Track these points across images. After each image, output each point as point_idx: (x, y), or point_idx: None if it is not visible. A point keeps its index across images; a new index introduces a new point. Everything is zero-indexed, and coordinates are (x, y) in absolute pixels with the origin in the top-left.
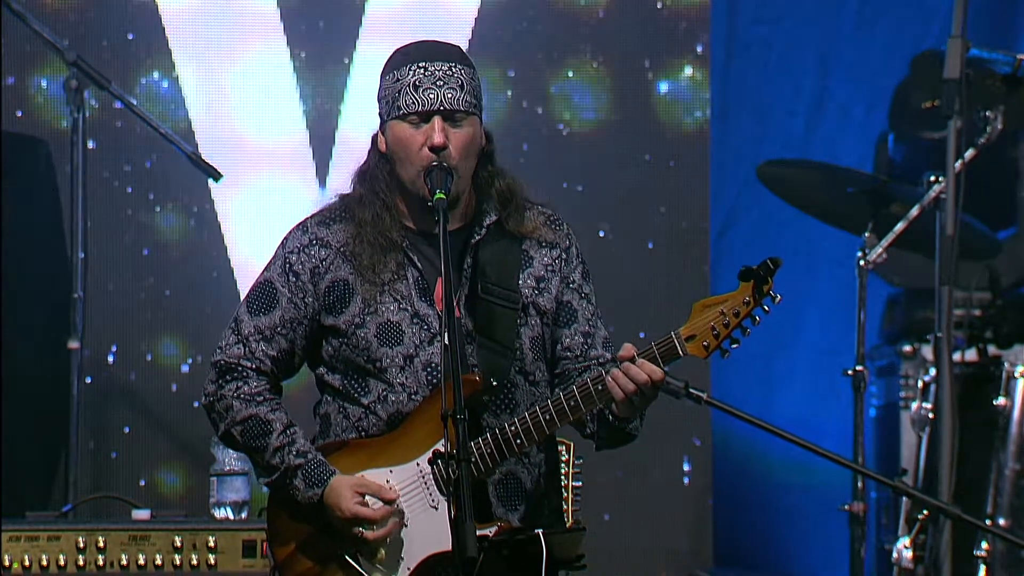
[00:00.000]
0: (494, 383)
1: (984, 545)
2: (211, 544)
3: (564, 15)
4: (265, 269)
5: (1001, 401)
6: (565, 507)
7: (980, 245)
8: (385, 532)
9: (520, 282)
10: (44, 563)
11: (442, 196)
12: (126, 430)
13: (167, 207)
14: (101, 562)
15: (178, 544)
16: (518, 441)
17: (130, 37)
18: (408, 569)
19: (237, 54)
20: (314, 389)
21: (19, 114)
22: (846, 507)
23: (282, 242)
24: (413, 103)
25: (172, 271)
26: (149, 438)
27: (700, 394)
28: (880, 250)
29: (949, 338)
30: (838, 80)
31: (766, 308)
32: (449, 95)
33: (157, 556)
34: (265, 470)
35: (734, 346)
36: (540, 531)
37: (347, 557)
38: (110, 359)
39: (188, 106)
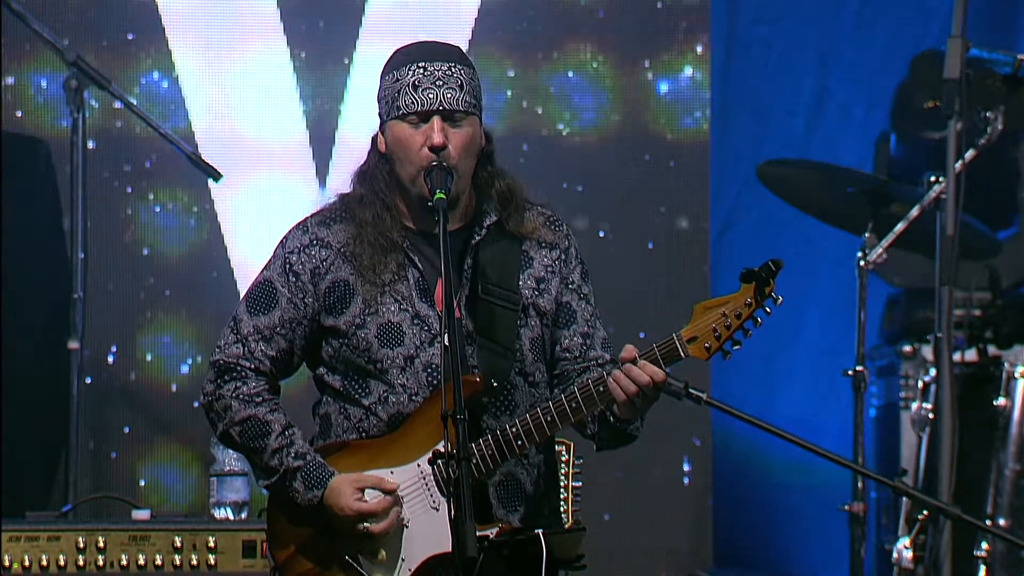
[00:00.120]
0: (494, 384)
1: (984, 545)
2: (211, 544)
3: (564, 15)
4: (264, 268)
5: (1001, 401)
6: (565, 507)
7: (980, 245)
8: (388, 524)
9: (520, 283)
10: (44, 563)
11: (442, 196)
12: (126, 430)
13: (167, 207)
14: (101, 562)
15: (178, 544)
16: (519, 442)
17: (130, 37)
18: (409, 570)
19: (237, 54)
20: (313, 389)
21: (19, 114)
22: (846, 507)
23: (282, 241)
24: (413, 103)
25: (172, 271)
26: (149, 438)
27: (700, 394)
28: (880, 250)
29: (949, 338)
30: (838, 80)
31: (768, 310)
32: (448, 95)
33: (157, 556)
34: (264, 472)
35: (736, 348)
36: (540, 531)
37: (348, 558)
38: (110, 359)
39: (188, 106)
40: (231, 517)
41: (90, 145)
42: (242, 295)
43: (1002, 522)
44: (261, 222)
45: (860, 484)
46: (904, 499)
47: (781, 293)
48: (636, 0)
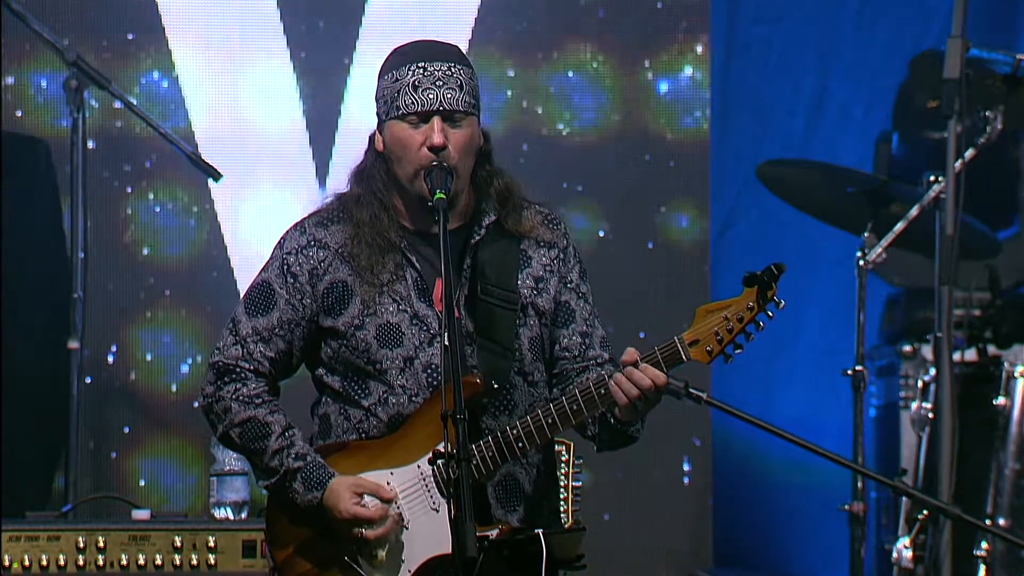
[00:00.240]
0: (494, 386)
1: (984, 545)
2: (211, 544)
3: (564, 15)
4: (263, 270)
5: (1001, 401)
6: (565, 507)
7: (980, 245)
8: (384, 531)
9: (519, 282)
10: (44, 563)
11: (442, 196)
12: (126, 430)
13: (167, 207)
14: (101, 562)
15: (178, 544)
16: (519, 444)
17: (130, 37)
18: (409, 572)
19: (237, 54)
20: (312, 389)
21: (19, 114)
22: (846, 507)
23: (279, 243)
24: (412, 103)
25: (172, 271)
26: (149, 438)
27: (700, 394)
28: (880, 250)
29: (949, 338)
30: (838, 80)
31: (770, 314)
32: (448, 95)
33: (157, 556)
34: (264, 473)
35: (737, 351)
36: (540, 531)
37: (347, 559)
38: (110, 359)
39: (188, 106)
40: (231, 517)
41: (90, 145)
42: (241, 296)
43: (1002, 522)
44: (261, 222)
45: (860, 484)
46: (904, 499)
47: (781, 293)
48: (636, 0)
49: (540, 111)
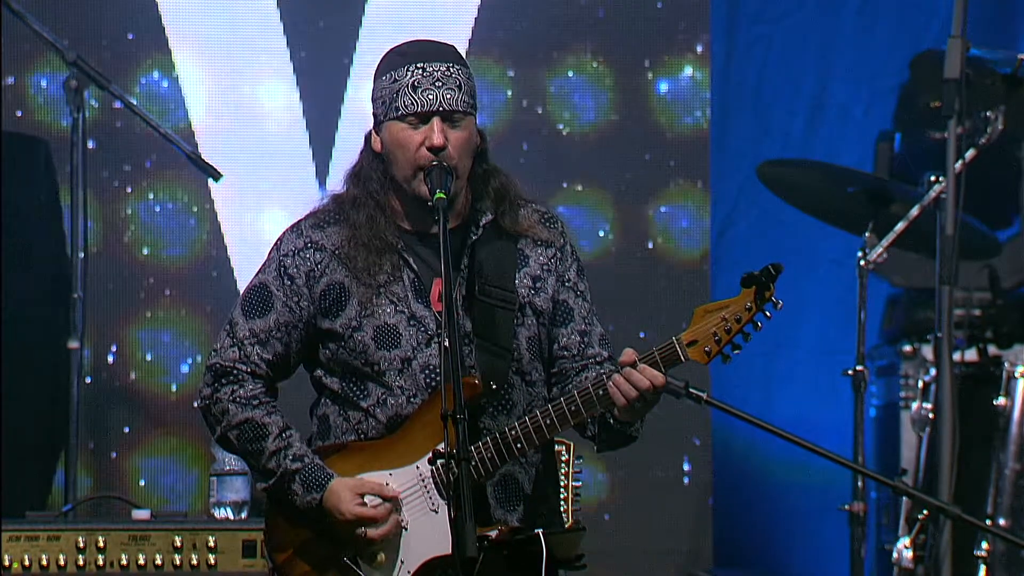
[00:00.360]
0: (493, 386)
1: (984, 545)
2: (211, 544)
3: (564, 15)
4: (259, 272)
5: (1001, 401)
6: (564, 507)
7: (980, 245)
8: (387, 530)
9: (516, 282)
10: (44, 563)
11: (442, 196)
12: (126, 430)
13: (167, 207)
14: (101, 562)
15: (178, 544)
16: (519, 445)
17: (130, 37)
18: (408, 572)
19: (237, 54)
20: (311, 389)
21: (19, 114)
22: (846, 507)
23: (276, 244)
24: (412, 104)
25: (172, 271)
26: (149, 438)
27: (700, 394)
28: (880, 250)
29: (949, 338)
30: (838, 80)
31: (768, 314)
32: (448, 96)
33: (157, 556)
34: (262, 475)
35: (735, 352)
36: (540, 531)
37: (346, 560)
38: (110, 359)
39: (188, 106)
40: (231, 517)
41: (90, 145)
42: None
43: (1002, 522)
44: (261, 222)
45: (860, 484)
46: (904, 499)
47: (780, 293)
48: (636, 0)
49: (540, 111)
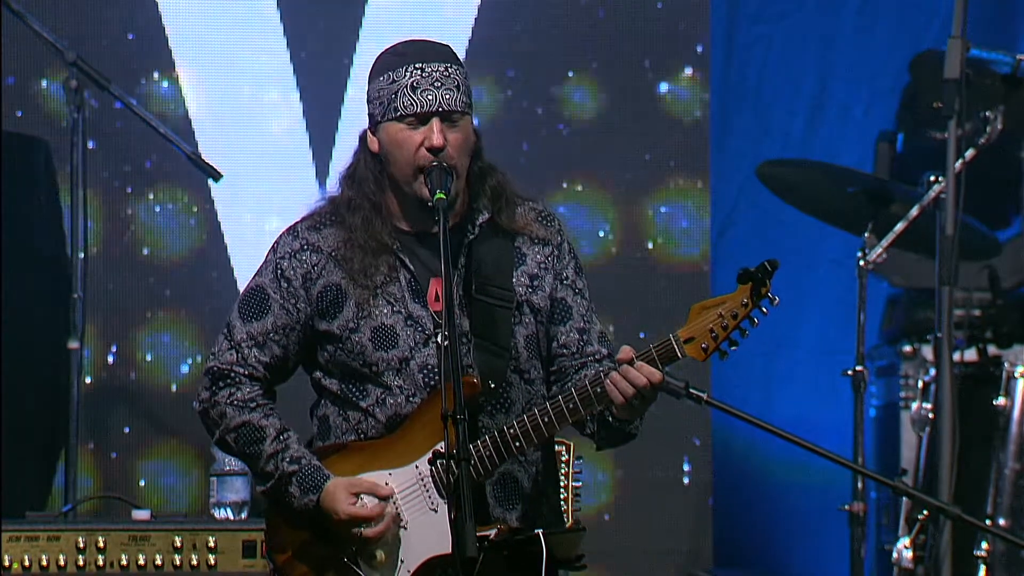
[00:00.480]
0: (491, 386)
1: (984, 545)
2: (211, 544)
3: (564, 15)
4: (256, 274)
5: (1001, 401)
6: (565, 507)
7: (980, 245)
8: (382, 528)
9: (514, 280)
10: (44, 563)
11: (443, 196)
12: (126, 430)
13: (167, 207)
14: (101, 562)
15: (178, 544)
16: (517, 444)
17: (130, 37)
18: (408, 572)
19: (237, 54)
20: (311, 390)
21: (19, 114)
22: (846, 507)
23: (272, 247)
24: (411, 104)
25: (172, 271)
26: (149, 438)
27: (700, 394)
28: (880, 250)
29: (949, 338)
30: (838, 80)
31: (764, 310)
32: (447, 96)
33: (157, 556)
34: (261, 477)
35: (732, 348)
36: (540, 531)
37: (346, 561)
38: (110, 359)
39: (188, 106)
40: (231, 517)
41: (90, 145)
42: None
43: (1002, 522)
44: (261, 222)
45: (860, 484)
46: (904, 499)
47: (780, 293)
48: (636, 0)
49: (540, 111)
